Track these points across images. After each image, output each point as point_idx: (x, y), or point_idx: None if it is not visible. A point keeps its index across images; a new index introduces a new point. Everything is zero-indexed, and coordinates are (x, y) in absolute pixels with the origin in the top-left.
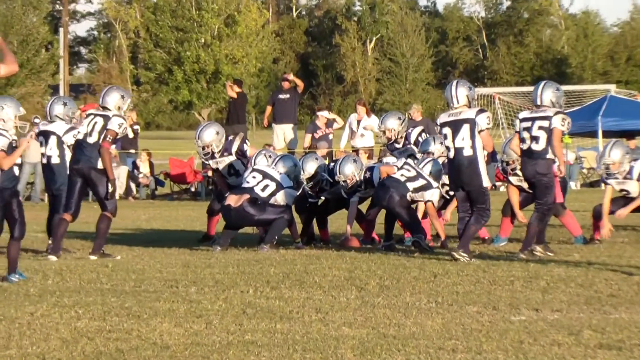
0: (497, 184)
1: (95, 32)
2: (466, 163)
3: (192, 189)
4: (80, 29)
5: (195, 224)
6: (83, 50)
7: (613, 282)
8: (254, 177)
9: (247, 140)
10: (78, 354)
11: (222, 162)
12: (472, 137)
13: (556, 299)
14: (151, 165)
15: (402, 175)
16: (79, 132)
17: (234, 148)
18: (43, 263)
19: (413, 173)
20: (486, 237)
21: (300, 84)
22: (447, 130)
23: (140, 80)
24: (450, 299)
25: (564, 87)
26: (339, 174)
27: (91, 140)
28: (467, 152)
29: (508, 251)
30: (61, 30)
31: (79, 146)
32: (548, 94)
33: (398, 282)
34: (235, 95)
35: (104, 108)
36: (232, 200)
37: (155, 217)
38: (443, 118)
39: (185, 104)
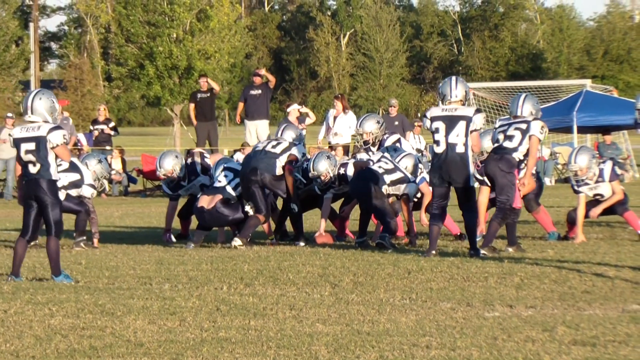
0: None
1: (66, 27)
2: (458, 159)
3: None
4: (51, 23)
5: None
6: (54, 45)
7: (587, 279)
8: (225, 176)
9: (205, 155)
10: (52, 351)
11: (194, 187)
12: (467, 134)
13: (530, 295)
14: (123, 162)
15: (379, 167)
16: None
17: (199, 168)
18: None
19: (391, 166)
20: (459, 233)
21: (272, 79)
22: (439, 125)
23: (112, 76)
24: (424, 295)
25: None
26: (313, 170)
27: None
28: (460, 149)
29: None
30: (31, 25)
31: None
32: (528, 107)
33: (372, 279)
34: (218, 88)
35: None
36: (205, 201)
37: (128, 214)
38: (435, 112)
39: (154, 99)
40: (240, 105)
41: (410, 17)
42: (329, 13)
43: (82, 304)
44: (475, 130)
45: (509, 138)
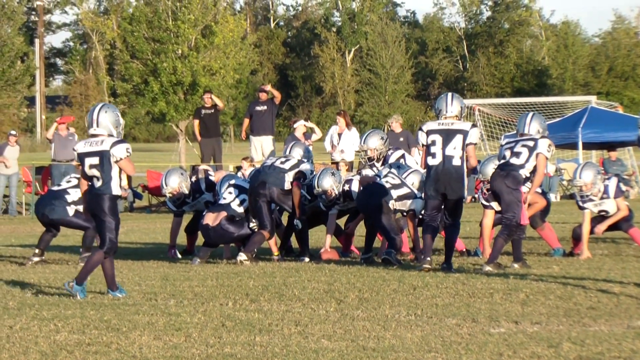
0: (477, 195)
1: (71, 44)
2: (454, 172)
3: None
4: (56, 40)
5: None
6: (59, 61)
7: (592, 295)
8: (230, 193)
9: (209, 173)
10: None
11: (199, 204)
12: (463, 148)
13: (535, 311)
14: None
15: (386, 182)
16: None
17: (203, 186)
18: (22, 276)
19: (397, 181)
20: (464, 250)
21: (277, 95)
22: (435, 138)
23: (117, 91)
24: (429, 311)
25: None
26: (318, 187)
27: None
28: (456, 162)
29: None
30: (37, 41)
31: None
32: (535, 125)
33: (377, 295)
34: (222, 105)
35: None
36: (210, 219)
37: (134, 229)
38: (431, 126)
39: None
40: (246, 121)
41: (415, 33)
42: (334, 29)
43: (88, 320)
44: (471, 143)
45: (516, 155)
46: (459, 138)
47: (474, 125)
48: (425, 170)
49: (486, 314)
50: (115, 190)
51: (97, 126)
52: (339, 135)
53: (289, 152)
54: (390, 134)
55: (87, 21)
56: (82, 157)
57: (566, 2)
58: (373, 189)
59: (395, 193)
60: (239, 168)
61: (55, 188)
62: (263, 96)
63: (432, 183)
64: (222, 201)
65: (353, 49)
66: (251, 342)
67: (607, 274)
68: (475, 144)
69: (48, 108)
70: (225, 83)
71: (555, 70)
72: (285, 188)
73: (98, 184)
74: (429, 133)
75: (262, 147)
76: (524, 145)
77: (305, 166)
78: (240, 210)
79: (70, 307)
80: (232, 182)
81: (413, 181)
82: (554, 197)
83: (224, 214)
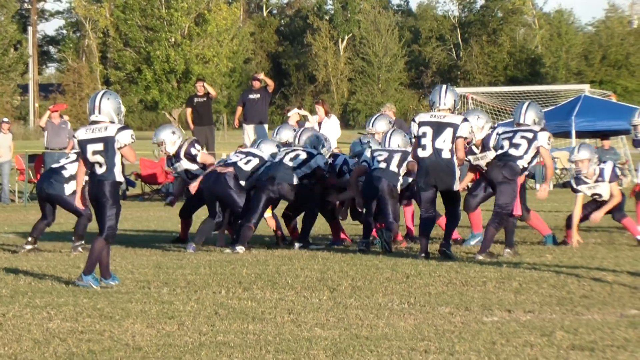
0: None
1: (64, 31)
2: (444, 165)
3: (164, 190)
4: (49, 28)
5: (167, 224)
6: (52, 49)
7: (585, 283)
8: (236, 156)
9: (195, 144)
10: (50, 355)
11: (179, 167)
12: (453, 141)
13: (528, 300)
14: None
15: (378, 160)
16: None
17: (182, 152)
18: (15, 264)
19: (385, 154)
20: (458, 238)
21: (270, 83)
22: (426, 129)
23: (110, 79)
24: (422, 300)
25: (538, 87)
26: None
27: None
28: (446, 154)
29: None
30: (30, 29)
31: None
32: (531, 114)
33: (370, 283)
34: (214, 93)
35: None
36: (219, 168)
37: (127, 217)
38: (424, 117)
39: (152, 103)
40: (239, 109)
41: (408, 21)
42: (327, 18)
43: (81, 308)
44: (460, 137)
45: (515, 146)
46: (449, 131)
47: (465, 119)
48: (418, 162)
49: (479, 302)
50: (118, 176)
51: (99, 113)
52: (319, 124)
53: (298, 142)
54: None
55: (80, 9)
56: (83, 143)
57: None
58: (380, 174)
59: (395, 168)
60: None
61: (55, 165)
62: (256, 84)
63: (423, 175)
64: (228, 161)
65: (346, 38)
66: (244, 330)
67: (600, 263)
68: (465, 137)
69: (41, 96)
70: (219, 71)
71: (549, 58)
72: (294, 183)
73: (101, 170)
74: (420, 125)
75: (255, 135)
76: (523, 137)
77: (318, 160)
78: (247, 168)
79: (63, 295)
80: (239, 150)
81: (397, 142)
82: (538, 186)
83: (231, 169)
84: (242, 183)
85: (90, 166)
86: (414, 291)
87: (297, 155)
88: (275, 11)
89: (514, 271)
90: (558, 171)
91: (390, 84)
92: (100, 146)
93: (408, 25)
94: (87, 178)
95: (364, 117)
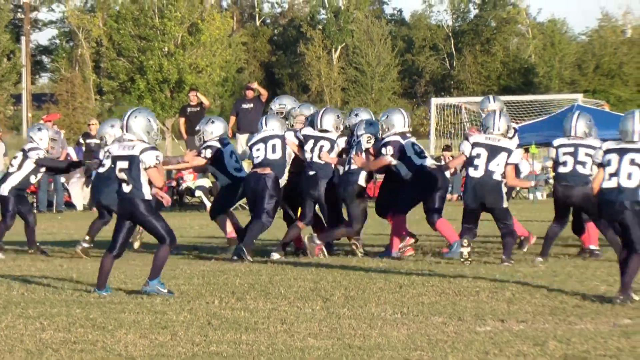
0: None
1: (58, 41)
2: (494, 185)
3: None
4: (42, 37)
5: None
6: (45, 59)
7: (578, 293)
8: (257, 150)
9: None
10: None
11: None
12: (505, 165)
13: (521, 309)
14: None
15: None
16: None
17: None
18: (8, 272)
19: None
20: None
21: (264, 93)
22: (480, 151)
23: (103, 89)
24: (415, 309)
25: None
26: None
27: None
28: (497, 177)
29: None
30: (23, 39)
31: None
32: (582, 124)
33: (363, 293)
34: (208, 103)
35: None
36: (259, 169)
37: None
38: (479, 139)
39: None
40: (232, 118)
41: (402, 31)
42: (320, 27)
43: (74, 318)
44: (512, 164)
45: (582, 164)
46: (503, 156)
47: (518, 145)
48: (466, 180)
49: (472, 312)
50: (147, 195)
51: (127, 131)
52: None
53: (321, 124)
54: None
55: (73, 19)
56: (114, 159)
57: (553, 0)
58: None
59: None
60: None
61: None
62: (249, 94)
63: (473, 194)
64: (256, 160)
65: (339, 47)
66: (237, 341)
67: (593, 272)
68: (516, 164)
69: (34, 106)
70: (212, 81)
71: (542, 68)
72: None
73: (127, 188)
74: (474, 145)
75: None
76: (587, 154)
77: (341, 141)
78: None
79: (56, 305)
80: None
81: (362, 133)
82: (540, 195)
83: (269, 169)
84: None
85: (118, 183)
86: (407, 301)
87: (324, 143)
88: (268, 20)
89: (508, 281)
90: (551, 181)
91: (383, 93)
92: (126, 164)
93: (401, 34)
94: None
95: None
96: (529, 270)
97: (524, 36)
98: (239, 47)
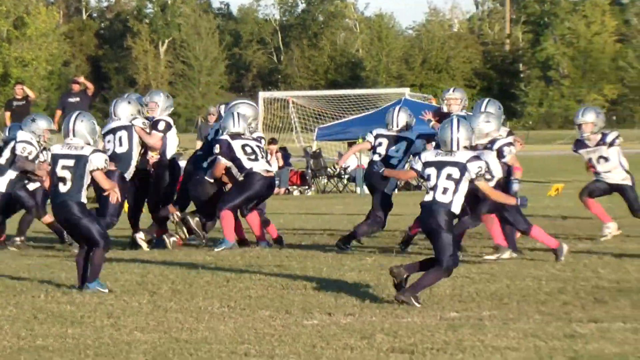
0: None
1: None
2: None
3: None
4: None
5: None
6: None
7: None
8: (109, 141)
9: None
10: None
11: None
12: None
13: (349, 303)
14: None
15: None
16: None
17: None
18: None
19: None
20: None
21: (90, 86)
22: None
23: None
24: (243, 303)
25: (359, 91)
26: None
27: None
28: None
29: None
30: None
31: None
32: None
33: (190, 287)
34: (34, 96)
35: None
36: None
37: None
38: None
39: None
40: (58, 112)
41: (229, 25)
42: (147, 21)
43: None
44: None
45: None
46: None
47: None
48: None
49: (299, 305)
50: (84, 198)
51: (74, 135)
52: None
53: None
54: (203, 125)
55: None
56: (56, 157)
57: None
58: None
59: None
60: None
61: None
62: (76, 87)
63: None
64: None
65: (166, 41)
66: (63, 335)
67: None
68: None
69: None
70: (38, 74)
71: (369, 62)
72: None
73: (64, 188)
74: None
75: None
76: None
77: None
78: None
79: None
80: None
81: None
82: (359, 190)
83: (113, 167)
84: None
85: (55, 184)
86: (235, 294)
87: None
88: (95, 14)
89: (335, 274)
90: None
91: (210, 87)
92: (71, 162)
93: (229, 28)
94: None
95: (184, 120)
96: (356, 263)
97: (352, 30)
98: (61, 39)
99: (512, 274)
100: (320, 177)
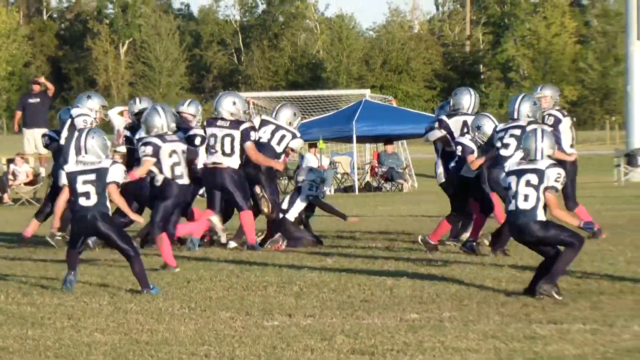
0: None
1: None
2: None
3: None
4: None
5: None
6: None
7: (366, 287)
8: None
9: None
10: None
11: None
12: None
13: (309, 304)
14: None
15: None
16: None
17: None
18: None
19: None
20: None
21: (51, 87)
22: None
23: None
24: (203, 304)
25: (319, 92)
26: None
27: None
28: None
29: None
30: None
31: None
32: (526, 107)
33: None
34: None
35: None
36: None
37: None
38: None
39: None
40: (18, 113)
41: (190, 25)
42: (107, 22)
43: None
44: None
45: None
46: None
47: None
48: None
49: (260, 307)
50: (108, 209)
51: (86, 152)
52: None
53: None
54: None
55: None
56: (73, 175)
57: None
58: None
59: None
60: (10, 161)
61: None
62: (36, 88)
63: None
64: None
65: (127, 42)
66: (23, 336)
67: (381, 266)
68: None
69: None
70: None
71: (330, 63)
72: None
73: (89, 202)
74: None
75: (34, 139)
76: (512, 135)
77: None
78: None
79: None
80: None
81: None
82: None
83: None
84: None
85: (75, 199)
86: (195, 296)
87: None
88: (55, 15)
89: (295, 275)
90: (339, 175)
91: (171, 88)
92: (92, 176)
93: (189, 29)
94: None
95: None
96: (317, 264)
97: (312, 31)
98: (23, 40)
99: (473, 275)
100: (281, 178)
